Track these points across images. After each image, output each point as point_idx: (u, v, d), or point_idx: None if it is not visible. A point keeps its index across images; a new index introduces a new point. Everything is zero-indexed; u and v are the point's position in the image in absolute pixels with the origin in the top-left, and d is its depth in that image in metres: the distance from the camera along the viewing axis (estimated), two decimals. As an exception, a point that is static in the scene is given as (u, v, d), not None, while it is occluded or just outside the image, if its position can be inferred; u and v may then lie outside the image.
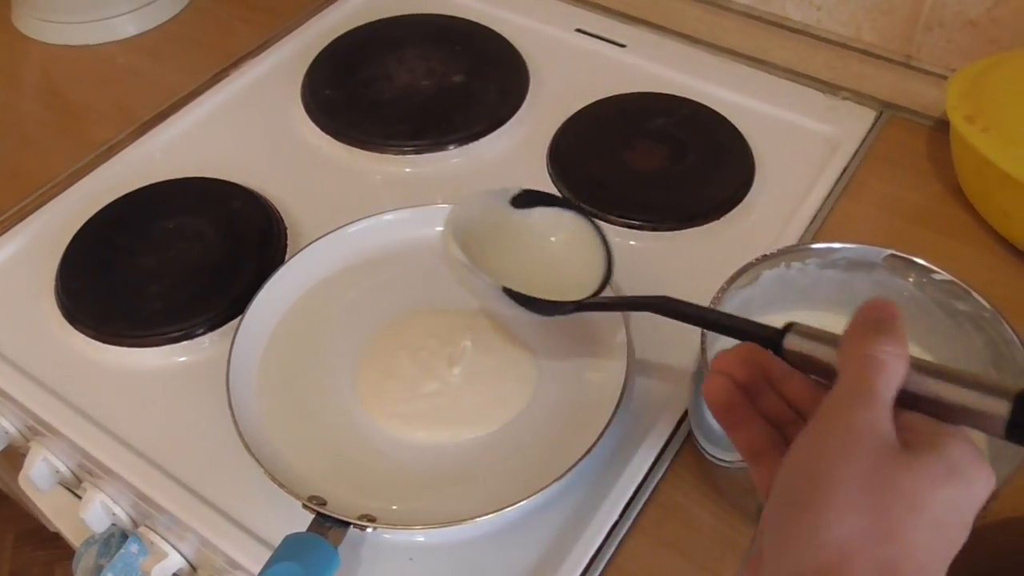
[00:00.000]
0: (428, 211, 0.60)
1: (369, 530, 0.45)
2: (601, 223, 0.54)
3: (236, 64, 0.77)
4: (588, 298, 0.51)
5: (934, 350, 0.49)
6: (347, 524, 0.45)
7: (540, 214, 0.54)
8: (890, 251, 0.49)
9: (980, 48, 0.66)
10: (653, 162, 0.66)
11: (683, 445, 0.51)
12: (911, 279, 0.49)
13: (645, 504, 0.49)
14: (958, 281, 0.47)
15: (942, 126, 0.69)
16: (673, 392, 0.53)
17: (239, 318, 0.54)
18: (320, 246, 0.57)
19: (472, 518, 0.45)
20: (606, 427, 0.48)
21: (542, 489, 0.45)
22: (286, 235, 0.62)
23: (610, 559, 0.46)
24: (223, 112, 0.73)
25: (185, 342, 0.56)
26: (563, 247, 0.54)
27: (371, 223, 0.59)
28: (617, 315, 0.53)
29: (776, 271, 0.50)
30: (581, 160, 0.67)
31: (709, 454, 0.47)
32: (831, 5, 0.71)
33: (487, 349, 0.54)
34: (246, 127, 0.72)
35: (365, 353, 0.54)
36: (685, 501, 0.49)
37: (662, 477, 0.50)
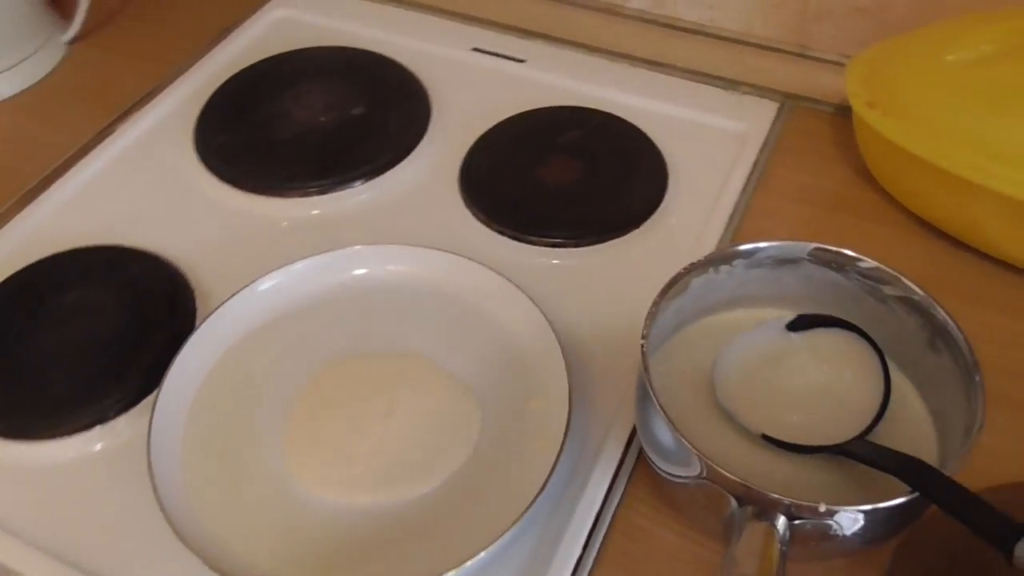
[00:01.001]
0: (340, 256, 0.58)
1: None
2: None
3: (123, 117, 0.73)
4: (853, 439, 0.46)
5: (871, 332, 0.49)
6: None
7: (815, 337, 0.50)
8: (815, 244, 0.49)
9: (871, 33, 0.67)
10: (567, 177, 0.65)
11: (635, 465, 0.50)
12: (838, 270, 0.49)
13: (607, 533, 0.47)
14: (884, 267, 0.47)
15: (843, 112, 0.70)
16: (616, 411, 0.52)
17: (154, 393, 0.50)
18: (231, 307, 0.54)
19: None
20: (557, 459, 0.46)
21: (503, 535, 0.43)
22: (194, 298, 0.58)
23: (578, 593, 0.45)
24: (113, 171, 0.69)
25: (98, 427, 0.52)
26: (833, 374, 0.49)
27: (281, 277, 0.57)
28: (551, 341, 0.52)
29: (704, 277, 0.50)
30: (494, 182, 0.65)
31: (663, 471, 0.46)
32: (723, 3, 0.71)
33: (423, 393, 0.52)
34: (139, 184, 0.68)
35: (292, 416, 0.51)
36: (646, 523, 0.48)
37: (620, 502, 0.48)
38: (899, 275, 0.47)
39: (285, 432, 0.51)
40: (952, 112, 0.55)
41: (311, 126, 0.70)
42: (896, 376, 0.49)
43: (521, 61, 0.77)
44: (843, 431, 0.47)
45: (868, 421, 0.47)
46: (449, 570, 0.42)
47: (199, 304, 0.58)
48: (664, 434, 0.43)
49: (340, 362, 0.54)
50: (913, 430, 0.48)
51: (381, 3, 0.84)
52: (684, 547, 0.46)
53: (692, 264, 0.48)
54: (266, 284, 0.56)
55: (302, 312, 0.56)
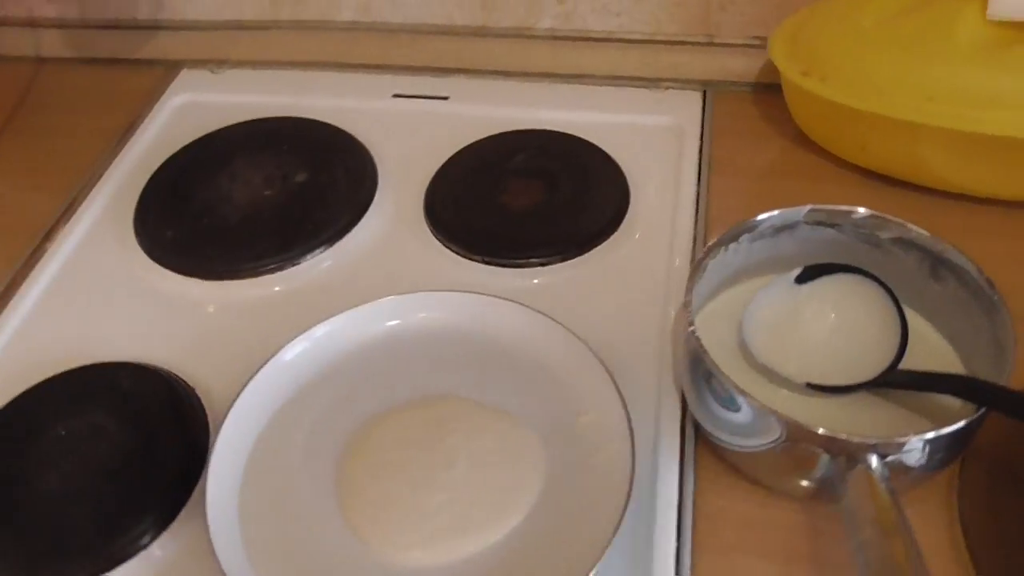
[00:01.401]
0: (358, 315, 0.56)
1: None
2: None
3: (48, 238, 0.68)
4: (884, 373, 0.49)
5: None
6: None
7: (825, 284, 0.52)
8: (810, 206, 0.51)
9: (771, 13, 0.71)
10: (531, 198, 0.66)
11: (696, 447, 0.51)
12: (832, 225, 0.52)
13: (693, 523, 0.48)
14: (878, 213, 0.51)
15: (762, 88, 0.75)
16: (655, 405, 0.53)
17: (187, 505, 0.48)
18: (255, 388, 0.52)
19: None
20: (633, 463, 0.46)
21: (605, 550, 0.43)
22: (197, 396, 0.55)
23: (690, 589, 0.45)
24: (58, 292, 0.64)
25: (130, 562, 0.48)
26: (849, 316, 0.52)
27: (304, 343, 0.54)
28: (584, 353, 0.52)
29: (718, 258, 0.52)
30: (462, 217, 0.65)
31: (736, 445, 0.47)
32: (629, 9, 0.75)
33: (476, 432, 0.51)
34: (92, 298, 0.63)
35: (344, 490, 0.49)
36: (726, 503, 0.48)
37: (695, 489, 0.49)
38: (893, 218, 0.50)
39: (341, 507, 0.49)
40: (883, 66, 0.59)
41: (258, 202, 0.68)
42: (906, 312, 0.52)
43: (444, 98, 0.78)
44: (871, 367, 0.50)
45: (893, 353, 0.50)
46: None
47: (204, 402, 0.55)
48: (735, 408, 0.44)
49: (380, 419, 0.52)
50: (937, 359, 0.51)
51: (284, 69, 0.83)
52: (771, 516, 0.48)
53: (709, 247, 0.50)
54: (289, 354, 0.54)
55: (327, 377, 0.55)
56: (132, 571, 0.48)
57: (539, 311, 0.55)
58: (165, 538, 0.49)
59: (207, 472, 0.48)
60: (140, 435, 0.53)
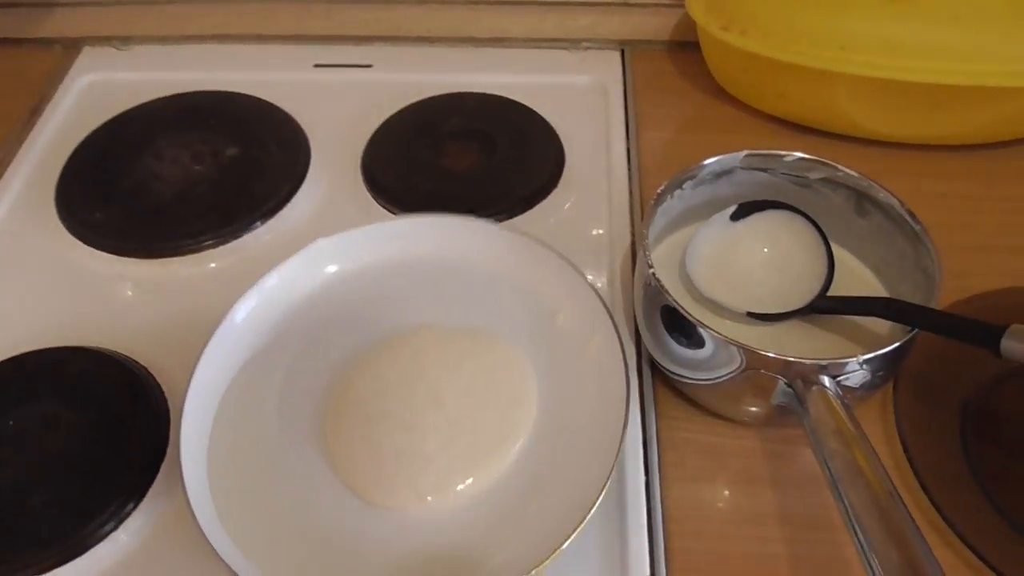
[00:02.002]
0: (306, 258, 0.55)
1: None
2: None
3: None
4: (816, 299, 0.52)
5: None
6: None
7: (758, 221, 0.55)
8: (746, 152, 0.55)
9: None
10: (470, 159, 0.67)
11: (654, 386, 0.54)
12: (765, 169, 0.55)
13: (659, 455, 0.50)
14: (806, 155, 0.54)
15: (676, 46, 0.78)
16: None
17: (153, 488, 0.48)
18: (214, 349, 0.50)
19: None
20: (624, 358, 0.48)
21: (608, 476, 0.43)
22: (151, 374, 0.54)
23: (664, 517, 0.48)
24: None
25: (99, 547, 0.47)
26: (781, 249, 0.55)
27: (256, 297, 0.53)
28: (549, 255, 0.54)
29: (664, 205, 0.54)
30: (402, 180, 0.66)
31: (686, 378, 0.50)
32: (546, -30, 0.76)
33: (454, 359, 0.51)
34: (23, 287, 0.61)
35: (335, 451, 0.49)
36: (688, 435, 0.51)
37: (657, 425, 0.52)
38: (822, 159, 0.54)
39: (339, 468, 0.48)
40: (799, 18, 0.63)
41: (190, 178, 0.67)
42: (834, 247, 0.56)
43: (368, 67, 0.77)
44: (803, 295, 0.54)
45: (822, 281, 0.54)
46: (569, 535, 0.42)
47: (159, 379, 0.54)
48: (698, 343, 0.47)
49: (351, 369, 0.52)
50: (863, 287, 0.55)
51: (195, 44, 0.81)
52: (730, 444, 0.51)
53: (659, 193, 0.53)
54: (241, 313, 0.52)
55: (284, 333, 0.54)
56: (101, 556, 0.47)
57: (486, 220, 0.56)
58: (132, 520, 0.48)
59: (179, 451, 0.47)
60: (96, 419, 0.51)
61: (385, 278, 0.56)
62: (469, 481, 0.47)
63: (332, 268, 0.56)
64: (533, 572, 0.40)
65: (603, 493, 0.43)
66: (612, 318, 0.50)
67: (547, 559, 0.41)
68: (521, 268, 0.54)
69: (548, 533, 0.42)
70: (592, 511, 0.42)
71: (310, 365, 0.52)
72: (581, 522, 0.42)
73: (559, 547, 0.41)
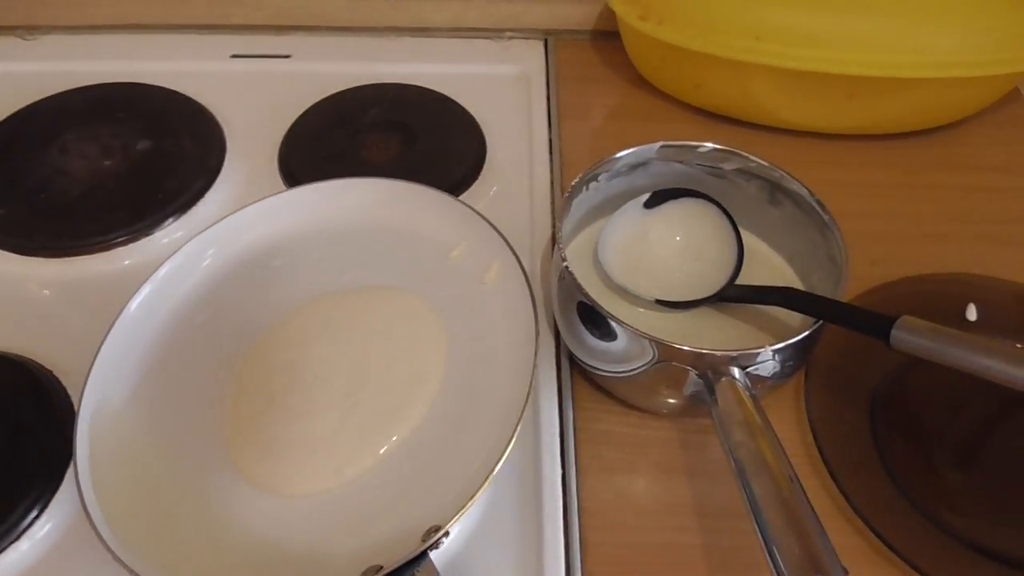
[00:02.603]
0: (184, 252, 0.54)
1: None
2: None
3: None
4: (724, 288, 0.53)
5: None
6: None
7: (671, 209, 0.55)
8: (661, 143, 0.55)
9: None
10: (390, 151, 0.66)
11: (572, 378, 0.54)
12: (680, 160, 0.56)
13: (576, 446, 0.50)
14: (720, 146, 0.55)
15: (599, 36, 0.78)
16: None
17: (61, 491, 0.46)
18: (105, 362, 0.48)
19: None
20: (528, 282, 0.48)
21: (505, 450, 0.43)
22: (54, 376, 0.52)
23: (579, 509, 0.48)
24: None
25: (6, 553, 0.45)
26: (694, 237, 0.55)
27: (149, 287, 0.52)
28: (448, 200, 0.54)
29: (580, 197, 0.54)
30: (321, 173, 0.63)
31: (601, 370, 0.50)
32: (466, -40, 0.75)
33: (345, 326, 0.50)
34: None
35: (234, 446, 0.47)
36: (605, 426, 0.52)
37: (574, 416, 0.52)
38: (736, 150, 0.54)
39: (233, 468, 0.47)
40: (714, 8, 0.63)
41: (99, 173, 0.64)
42: (747, 236, 0.57)
43: (286, 57, 0.76)
44: (715, 283, 0.54)
45: (731, 270, 0.54)
46: (454, 515, 0.41)
47: (64, 382, 0.52)
48: (611, 336, 0.47)
49: (248, 353, 0.51)
50: (776, 276, 0.56)
51: (105, 33, 0.78)
52: (646, 435, 0.51)
53: (573, 186, 0.52)
54: (135, 303, 0.51)
55: (179, 321, 0.53)
56: (5, 565, 0.46)
57: (359, 178, 0.56)
58: (37, 528, 0.47)
59: (74, 453, 0.45)
60: (1, 426, 0.50)
61: (268, 257, 0.55)
62: (375, 451, 0.46)
63: (214, 254, 0.55)
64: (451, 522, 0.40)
65: (518, 427, 0.43)
66: (508, 243, 0.49)
67: (476, 492, 0.41)
68: (406, 214, 0.54)
69: (467, 478, 0.42)
70: (508, 449, 0.42)
71: (208, 352, 0.51)
72: (498, 460, 0.42)
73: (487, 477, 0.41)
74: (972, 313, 0.55)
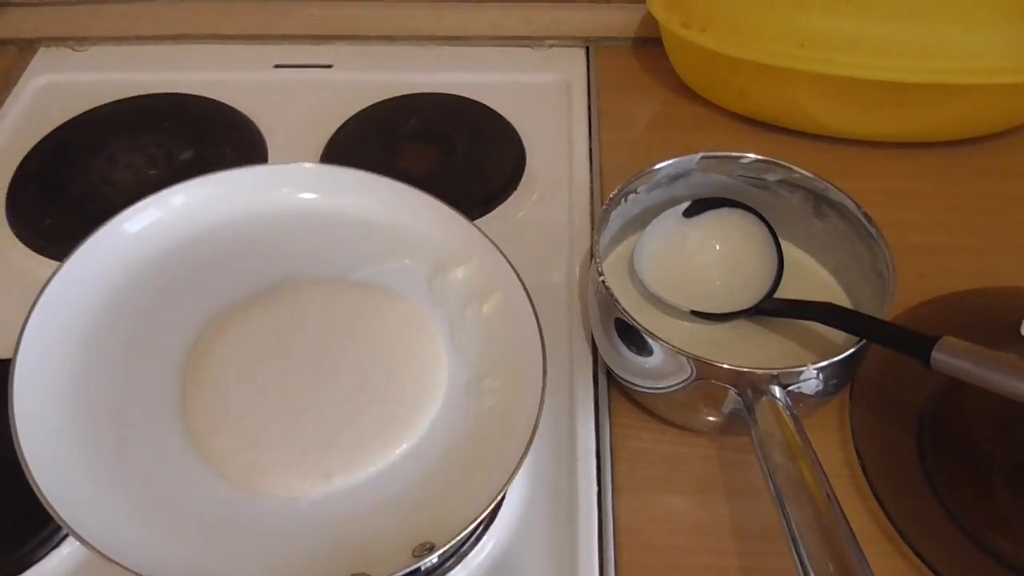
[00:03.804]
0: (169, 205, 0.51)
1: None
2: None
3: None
4: (762, 301, 0.52)
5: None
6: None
7: (710, 219, 0.54)
8: (701, 154, 0.54)
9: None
10: (428, 161, 0.66)
11: (609, 393, 0.53)
12: (722, 171, 0.55)
13: (612, 464, 0.50)
14: (764, 157, 0.53)
15: (641, 42, 0.77)
16: (571, 345, 0.54)
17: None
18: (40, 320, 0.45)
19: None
20: (535, 314, 0.46)
21: (519, 463, 0.41)
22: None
23: (614, 529, 0.47)
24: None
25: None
26: (733, 248, 0.54)
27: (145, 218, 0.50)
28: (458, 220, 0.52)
29: (619, 209, 0.53)
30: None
31: (638, 387, 0.49)
32: (509, -33, 0.75)
33: (341, 320, 0.47)
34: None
35: (198, 433, 0.44)
36: (642, 444, 0.51)
37: (611, 433, 0.51)
38: (779, 161, 0.53)
39: (200, 449, 0.44)
40: (757, 15, 0.62)
41: (144, 183, 0.65)
42: (791, 249, 0.56)
43: (328, 67, 0.76)
44: (752, 295, 0.53)
45: (771, 282, 0.53)
46: (451, 537, 0.39)
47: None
48: (647, 352, 0.46)
49: (220, 324, 0.48)
50: (821, 290, 0.54)
51: (153, 44, 0.79)
52: (684, 453, 0.50)
53: (611, 198, 0.52)
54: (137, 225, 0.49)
55: (147, 273, 0.50)
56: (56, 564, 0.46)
57: (379, 175, 0.54)
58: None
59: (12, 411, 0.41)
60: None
61: (256, 228, 0.52)
62: (371, 465, 0.44)
63: (207, 214, 0.52)
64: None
65: (524, 459, 0.41)
66: (516, 272, 0.47)
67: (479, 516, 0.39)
68: (414, 223, 0.52)
69: (467, 499, 0.41)
70: (513, 477, 0.40)
71: (178, 312, 0.48)
72: (504, 486, 0.40)
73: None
74: (1027, 329, 0.53)
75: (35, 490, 0.39)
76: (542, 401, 0.43)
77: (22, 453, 0.40)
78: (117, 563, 0.37)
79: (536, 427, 0.42)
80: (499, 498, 0.40)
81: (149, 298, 0.49)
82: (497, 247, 0.49)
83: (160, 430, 0.45)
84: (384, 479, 0.44)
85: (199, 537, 0.42)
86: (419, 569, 0.39)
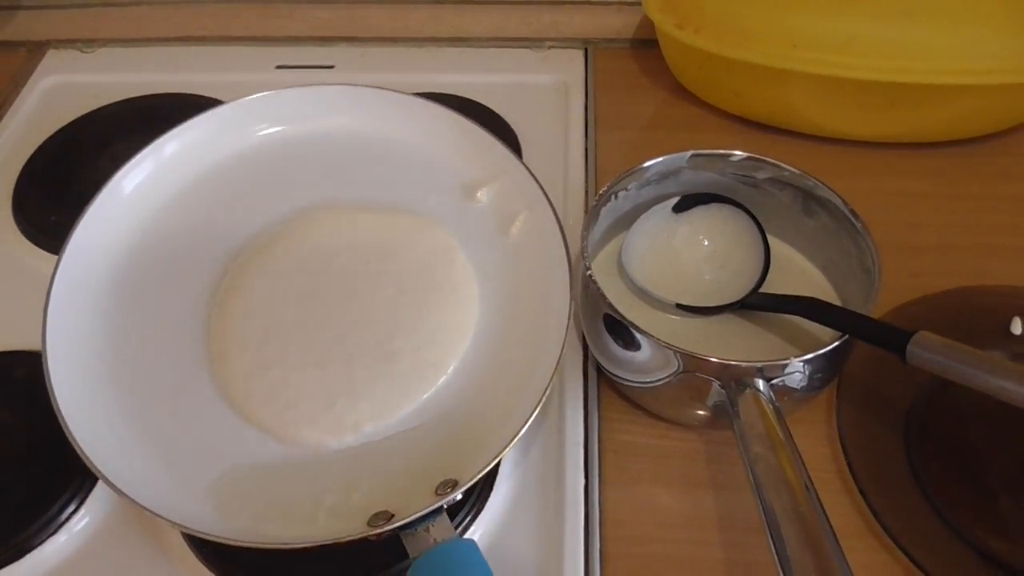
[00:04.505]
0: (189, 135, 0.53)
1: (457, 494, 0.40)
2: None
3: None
4: (748, 295, 0.52)
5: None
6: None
7: (699, 214, 0.54)
8: (691, 152, 0.54)
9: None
10: (425, 161, 0.67)
11: (599, 387, 0.53)
12: (712, 169, 0.55)
13: (600, 457, 0.50)
14: (754, 155, 0.54)
15: (639, 44, 0.77)
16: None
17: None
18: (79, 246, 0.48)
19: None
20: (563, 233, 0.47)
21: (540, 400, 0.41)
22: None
23: (600, 521, 0.47)
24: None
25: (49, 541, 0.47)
26: (722, 244, 0.54)
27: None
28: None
29: (609, 206, 0.54)
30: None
31: (626, 380, 0.50)
32: (508, -30, 0.76)
33: (375, 254, 0.46)
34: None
35: (227, 383, 0.44)
36: (630, 438, 0.51)
37: (599, 427, 0.51)
38: (767, 159, 0.54)
39: (233, 405, 0.44)
40: (751, 16, 0.62)
41: (145, 181, 0.66)
42: (781, 246, 0.56)
43: (330, 67, 0.77)
44: (739, 290, 0.54)
45: (757, 278, 0.54)
46: (474, 473, 0.39)
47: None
48: (635, 347, 0.47)
49: (243, 258, 0.47)
50: (810, 286, 0.55)
51: (158, 45, 0.81)
52: (671, 446, 0.51)
53: (600, 195, 0.52)
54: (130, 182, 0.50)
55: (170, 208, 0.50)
56: (48, 555, 0.47)
57: (402, 93, 0.53)
58: (78, 520, 0.48)
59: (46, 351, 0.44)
60: (40, 422, 0.51)
61: (286, 151, 0.51)
62: (399, 412, 0.44)
63: (226, 140, 0.52)
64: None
65: (547, 392, 0.42)
66: (544, 191, 0.46)
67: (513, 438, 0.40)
68: (436, 141, 0.51)
69: (489, 438, 0.41)
70: (535, 412, 0.41)
71: (203, 250, 0.48)
72: (524, 423, 0.41)
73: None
74: (1017, 327, 0.54)
75: (68, 436, 0.41)
76: (568, 323, 0.43)
77: (57, 406, 0.42)
78: (146, 508, 0.39)
79: (563, 350, 0.42)
80: (525, 428, 0.40)
81: (168, 244, 0.49)
82: (523, 163, 0.48)
83: (188, 377, 0.45)
84: (408, 419, 0.44)
85: (224, 483, 0.42)
86: (442, 508, 0.39)
